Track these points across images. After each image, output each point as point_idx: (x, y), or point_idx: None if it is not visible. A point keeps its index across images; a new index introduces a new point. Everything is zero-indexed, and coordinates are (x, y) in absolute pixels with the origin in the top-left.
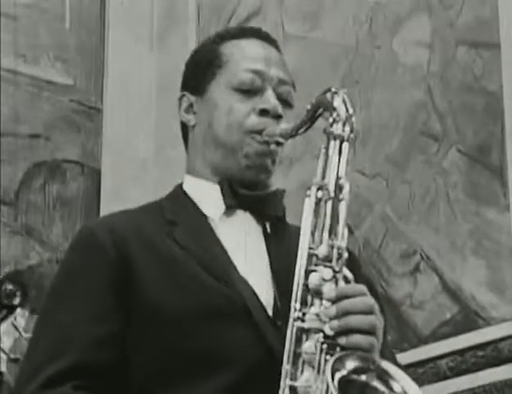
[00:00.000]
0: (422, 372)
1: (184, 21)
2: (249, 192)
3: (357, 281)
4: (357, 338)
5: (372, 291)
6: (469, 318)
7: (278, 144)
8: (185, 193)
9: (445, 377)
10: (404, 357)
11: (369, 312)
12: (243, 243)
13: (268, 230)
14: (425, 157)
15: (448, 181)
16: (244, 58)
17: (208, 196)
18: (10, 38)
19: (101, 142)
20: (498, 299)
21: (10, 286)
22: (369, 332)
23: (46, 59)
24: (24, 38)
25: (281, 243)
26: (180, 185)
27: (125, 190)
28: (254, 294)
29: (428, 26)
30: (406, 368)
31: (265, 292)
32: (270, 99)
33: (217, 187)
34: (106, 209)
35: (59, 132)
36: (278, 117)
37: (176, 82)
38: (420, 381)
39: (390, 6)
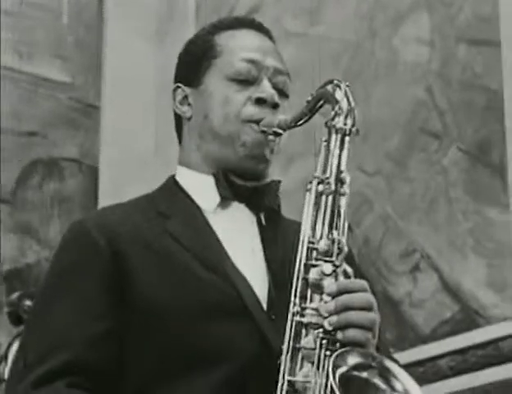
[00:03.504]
0: (422, 371)
1: (183, 18)
2: (244, 183)
3: (354, 275)
4: (354, 332)
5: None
6: (469, 317)
7: (276, 134)
8: (177, 185)
9: (446, 377)
10: (404, 356)
11: (369, 308)
12: (237, 235)
13: (263, 221)
14: (425, 155)
15: (448, 180)
16: (240, 48)
17: (202, 188)
18: (7, 35)
19: (99, 140)
20: (498, 297)
21: (28, 302)
22: (367, 327)
23: (43, 56)
24: (21, 35)
25: (275, 235)
26: (173, 177)
27: (123, 187)
28: (250, 287)
29: (428, 23)
30: (406, 367)
31: (260, 285)
32: (266, 88)
33: (212, 179)
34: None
35: (57, 129)
36: (275, 106)
37: None
38: (420, 380)
39: (391, 3)
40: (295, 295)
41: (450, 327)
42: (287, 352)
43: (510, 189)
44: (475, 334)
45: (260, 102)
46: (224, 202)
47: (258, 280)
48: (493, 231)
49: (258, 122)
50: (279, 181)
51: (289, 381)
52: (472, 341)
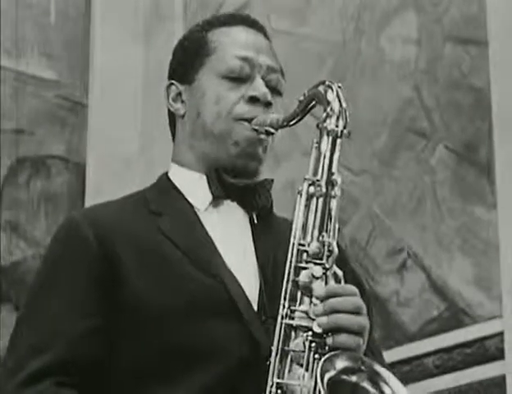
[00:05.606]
0: (408, 369)
1: (170, 16)
2: (236, 181)
3: (344, 275)
4: (344, 338)
5: (360, 287)
6: (456, 316)
7: (268, 133)
8: (170, 182)
9: (432, 375)
10: (391, 354)
11: (357, 312)
12: (229, 234)
13: (255, 220)
14: (412, 154)
15: (435, 178)
16: (233, 45)
17: (194, 186)
18: None
19: (86, 138)
20: (485, 296)
21: None
22: (356, 331)
23: (31, 54)
24: (9, 32)
25: (267, 234)
26: (166, 174)
27: (110, 185)
28: (240, 288)
29: (416, 23)
30: (392, 365)
31: (250, 285)
32: (259, 87)
33: (204, 177)
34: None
35: (44, 127)
36: (268, 105)
37: (163, 78)
38: (406, 378)
39: (378, 3)
40: (285, 298)
41: (436, 326)
42: (276, 354)
43: (497, 188)
44: (461, 333)
45: (253, 100)
46: (216, 201)
47: (249, 280)
48: (480, 230)
49: (250, 120)
50: (272, 180)
51: (277, 383)
52: (458, 340)
